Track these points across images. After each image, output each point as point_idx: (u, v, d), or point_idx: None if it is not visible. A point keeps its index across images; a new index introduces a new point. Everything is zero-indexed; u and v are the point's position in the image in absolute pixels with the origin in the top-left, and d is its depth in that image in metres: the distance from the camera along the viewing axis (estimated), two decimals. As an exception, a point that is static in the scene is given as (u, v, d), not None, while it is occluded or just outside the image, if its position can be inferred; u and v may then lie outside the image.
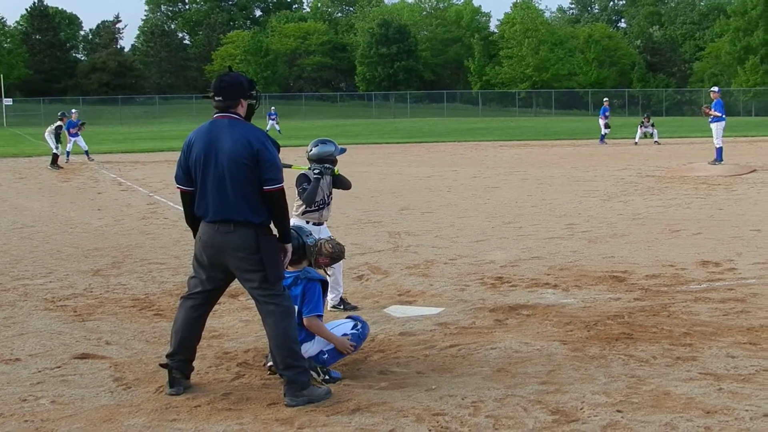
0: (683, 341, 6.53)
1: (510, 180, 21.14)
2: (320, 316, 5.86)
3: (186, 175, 5.46)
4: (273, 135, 8.30)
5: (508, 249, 11.06)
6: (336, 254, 6.47)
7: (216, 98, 5.41)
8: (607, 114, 37.72)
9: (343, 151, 7.90)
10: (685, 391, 5.38)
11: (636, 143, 35.74)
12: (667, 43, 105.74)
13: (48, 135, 28.03)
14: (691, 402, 5.19)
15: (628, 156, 28.97)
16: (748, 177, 20.50)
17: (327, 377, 5.73)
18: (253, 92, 5.52)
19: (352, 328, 6.01)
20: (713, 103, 24.25)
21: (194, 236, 5.57)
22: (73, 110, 32.18)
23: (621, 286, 8.65)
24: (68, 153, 30.09)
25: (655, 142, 36.01)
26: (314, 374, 5.69)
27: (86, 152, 30.30)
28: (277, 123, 48.14)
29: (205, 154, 5.33)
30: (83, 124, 30.91)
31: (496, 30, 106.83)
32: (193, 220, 5.55)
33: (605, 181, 20.11)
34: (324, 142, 7.80)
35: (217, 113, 5.44)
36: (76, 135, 29.89)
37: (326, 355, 5.83)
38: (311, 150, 7.75)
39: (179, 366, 5.56)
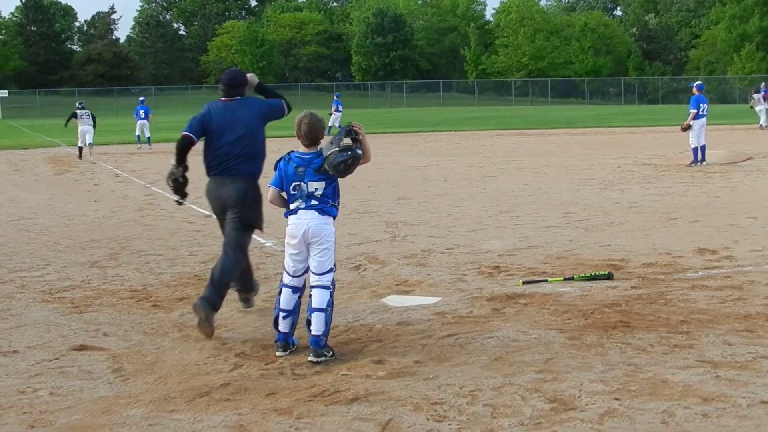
0: (680, 329, 6.55)
1: (506, 169, 21.14)
2: None
3: (201, 132, 6.91)
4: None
5: (505, 238, 11.07)
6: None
7: (224, 89, 7.14)
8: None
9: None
10: (682, 379, 5.39)
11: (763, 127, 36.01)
12: (663, 30, 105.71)
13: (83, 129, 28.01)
14: (689, 389, 5.20)
15: (624, 144, 28.96)
16: (744, 164, 20.52)
17: (331, 353, 6.04)
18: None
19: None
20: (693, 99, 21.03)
21: (177, 166, 7.00)
22: (142, 97, 34.12)
23: (618, 274, 8.66)
24: (149, 139, 31.74)
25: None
26: (322, 358, 5.97)
27: (148, 139, 32.20)
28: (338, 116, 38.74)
29: (229, 122, 6.89)
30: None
31: (491, 19, 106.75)
32: (183, 160, 6.98)
33: (602, 169, 20.11)
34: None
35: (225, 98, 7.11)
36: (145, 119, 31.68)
37: (324, 338, 6.03)
38: None
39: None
